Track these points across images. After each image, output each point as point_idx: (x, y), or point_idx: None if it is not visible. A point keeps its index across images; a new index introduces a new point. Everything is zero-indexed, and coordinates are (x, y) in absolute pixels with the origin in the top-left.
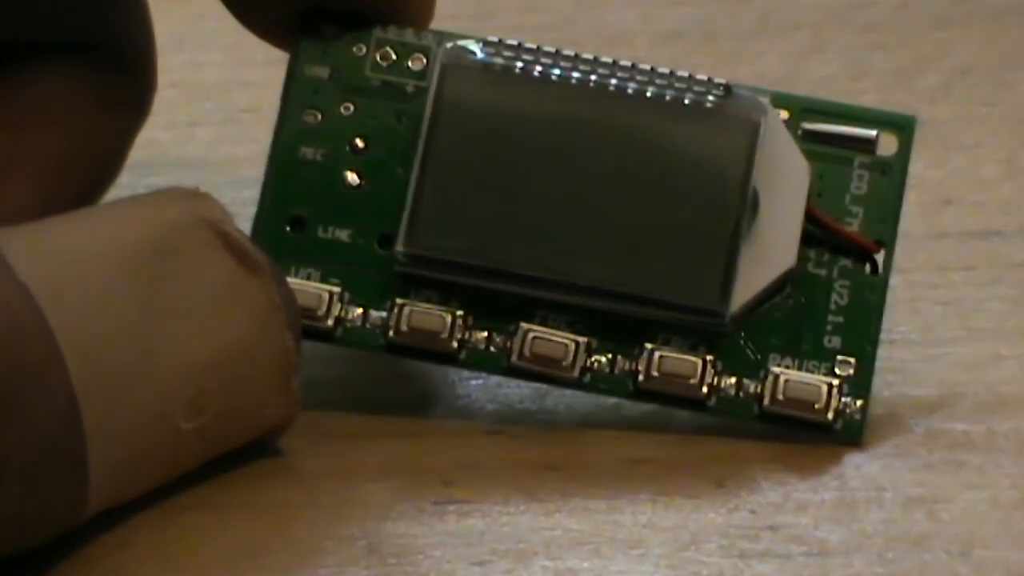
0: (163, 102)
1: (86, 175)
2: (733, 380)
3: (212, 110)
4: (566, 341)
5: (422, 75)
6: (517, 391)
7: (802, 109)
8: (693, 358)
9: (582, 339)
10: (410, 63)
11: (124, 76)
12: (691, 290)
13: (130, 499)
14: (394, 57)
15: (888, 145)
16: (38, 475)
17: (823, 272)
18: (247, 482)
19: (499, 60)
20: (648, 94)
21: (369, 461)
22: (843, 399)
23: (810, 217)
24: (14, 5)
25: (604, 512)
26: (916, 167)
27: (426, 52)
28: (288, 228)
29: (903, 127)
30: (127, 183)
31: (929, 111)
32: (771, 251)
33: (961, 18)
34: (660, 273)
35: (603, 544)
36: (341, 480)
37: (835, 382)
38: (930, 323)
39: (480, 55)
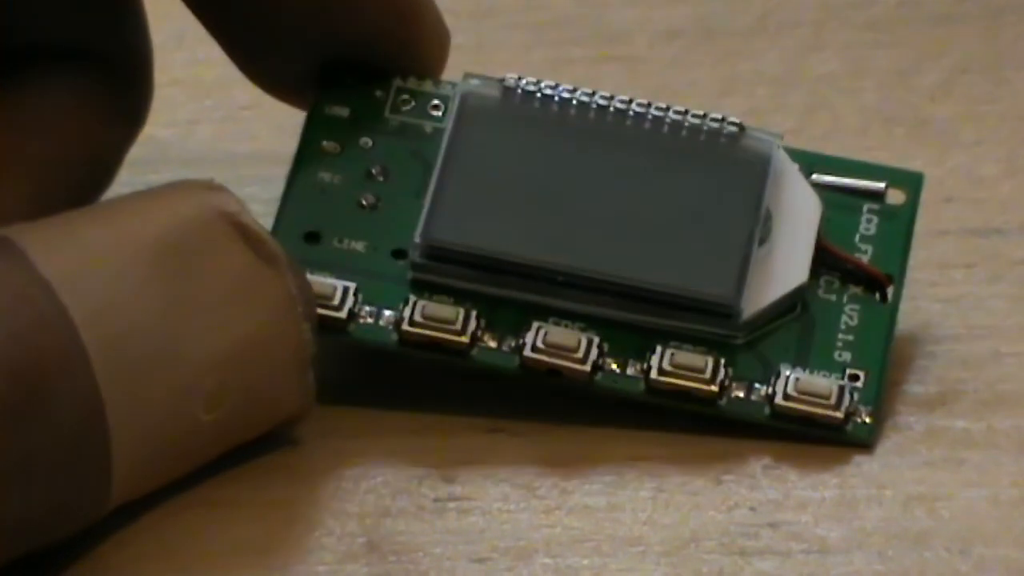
0: (163, 99)
1: (80, 180)
2: (744, 384)
3: (212, 107)
4: (579, 336)
5: (440, 119)
6: (518, 388)
7: (811, 163)
8: (705, 356)
9: (595, 337)
10: (428, 108)
11: (121, 84)
12: (705, 286)
13: (151, 491)
14: (413, 103)
15: (896, 196)
16: (64, 471)
17: (833, 297)
18: (247, 479)
19: (518, 92)
20: (664, 128)
21: (370, 458)
22: (854, 402)
23: (821, 249)
24: (14, 13)
25: (604, 509)
26: (916, 164)
27: (444, 100)
28: (303, 241)
29: (911, 183)
30: (127, 180)
31: (929, 109)
32: (783, 268)
33: (961, 16)
34: (675, 271)
35: (603, 541)
36: (341, 477)
37: (846, 385)
38: (930, 321)
39: (499, 87)
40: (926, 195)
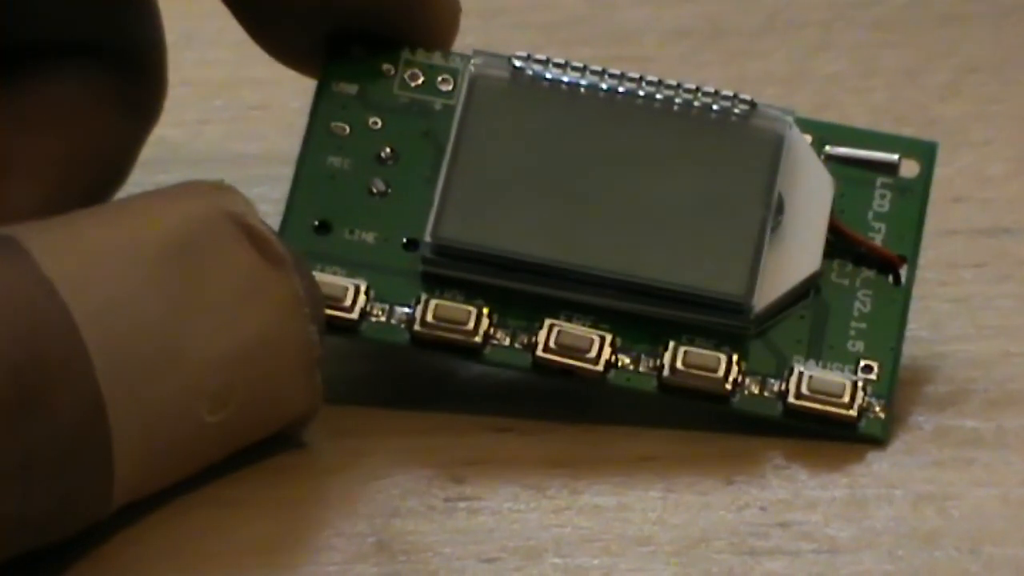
0: (173, 100)
1: (94, 177)
2: (757, 379)
3: (221, 107)
4: (591, 334)
5: (450, 95)
6: (527, 388)
7: (824, 134)
8: (718, 353)
9: (607, 335)
10: (438, 83)
11: (135, 80)
12: (717, 283)
13: (155, 492)
14: (422, 78)
15: (910, 168)
16: (64, 470)
17: (846, 282)
18: (257, 479)
19: (528, 72)
20: (675, 107)
21: (379, 458)
22: (867, 398)
23: (834, 230)
24: (27, 8)
25: (614, 509)
26: None
27: (453, 73)
28: (313, 231)
29: (924, 152)
30: (137, 180)
31: (938, 109)
32: (796, 256)
33: (969, 15)
34: (686, 268)
35: (613, 541)
36: (351, 476)
37: (859, 381)
38: (939, 320)
39: (509, 67)
40: (935, 195)
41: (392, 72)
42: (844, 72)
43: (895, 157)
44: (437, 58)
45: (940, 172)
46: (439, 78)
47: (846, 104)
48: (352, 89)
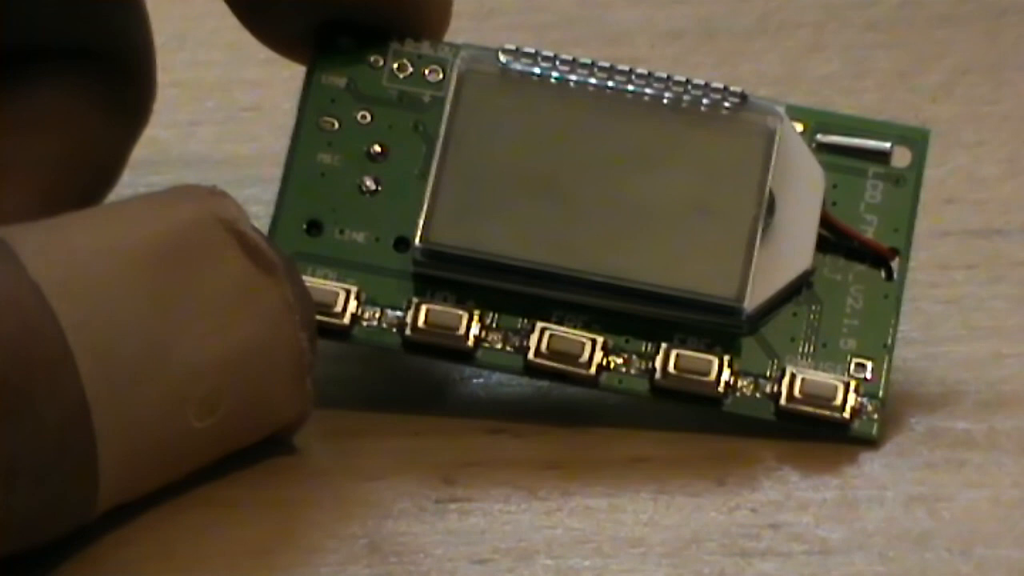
0: (164, 101)
1: (85, 180)
2: (749, 380)
3: (213, 109)
4: (583, 339)
5: (439, 86)
6: (519, 390)
7: (817, 122)
8: (710, 356)
9: (599, 338)
10: (426, 74)
11: (124, 83)
12: (709, 286)
13: (141, 496)
14: (410, 69)
15: (902, 157)
16: (48, 474)
17: (838, 277)
18: (250, 480)
19: (517, 67)
20: (664, 101)
21: (371, 459)
22: (859, 398)
23: (826, 223)
24: (17, 12)
25: (605, 511)
26: None
27: (442, 64)
28: (304, 231)
29: (917, 140)
30: (128, 181)
31: (930, 110)
32: (787, 253)
33: (962, 17)
34: (678, 270)
35: (604, 542)
36: (343, 478)
37: (851, 382)
38: (931, 322)
39: (497, 62)
40: (928, 196)
41: (380, 63)
42: (837, 73)
43: (887, 145)
44: (426, 48)
45: (932, 173)
46: (427, 69)
47: (838, 105)
48: (341, 82)
